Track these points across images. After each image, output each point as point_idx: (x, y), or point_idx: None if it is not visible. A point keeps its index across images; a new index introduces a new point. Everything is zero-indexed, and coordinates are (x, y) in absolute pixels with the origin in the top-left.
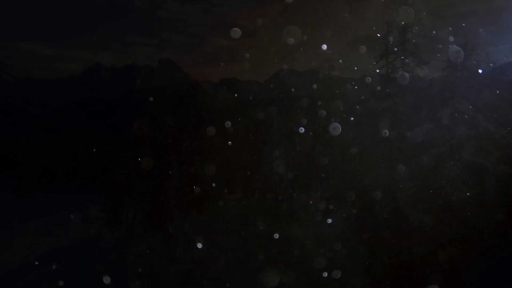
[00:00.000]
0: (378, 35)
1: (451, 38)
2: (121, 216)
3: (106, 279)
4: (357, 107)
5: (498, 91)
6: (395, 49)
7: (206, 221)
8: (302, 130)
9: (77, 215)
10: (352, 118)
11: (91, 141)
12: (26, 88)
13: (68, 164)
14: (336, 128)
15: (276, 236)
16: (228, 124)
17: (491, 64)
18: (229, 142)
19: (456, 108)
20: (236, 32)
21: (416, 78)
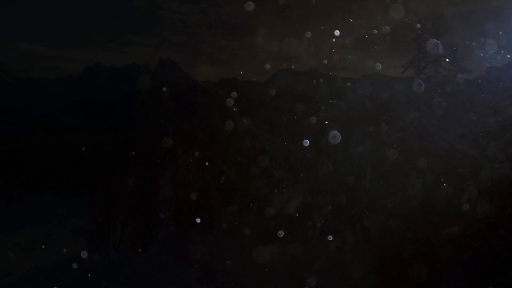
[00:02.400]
0: (408, 39)
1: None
2: (108, 230)
3: (84, 254)
4: (357, 108)
5: None
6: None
7: (201, 236)
8: (306, 143)
9: (66, 226)
10: (351, 120)
11: (87, 143)
12: (26, 88)
13: (62, 168)
14: (335, 137)
15: (278, 256)
16: (227, 126)
17: None
18: (228, 146)
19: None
20: (250, 5)
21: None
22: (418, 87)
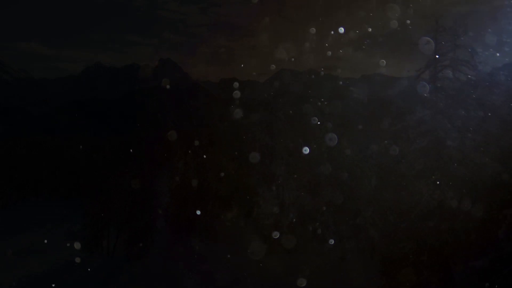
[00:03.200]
0: (429, 39)
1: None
2: (102, 237)
3: (77, 245)
4: (357, 108)
5: None
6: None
7: (198, 245)
8: (306, 150)
9: (60, 232)
10: (353, 121)
11: (84, 145)
12: (26, 88)
13: (57, 170)
14: (332, 139)
15: (279, 269)
16: (227, 127)
17: None
18: (228, 147)
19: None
20: None
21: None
22: (433, 92)
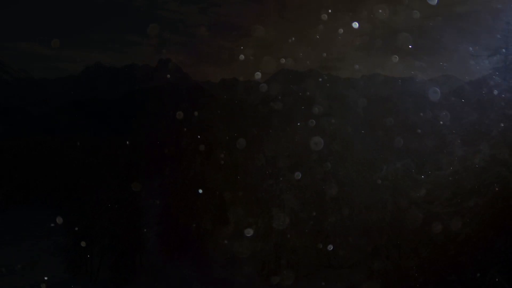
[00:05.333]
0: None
1: None
2: (85, 256)
3: (59, 219)
4: (358, 109)
5: None
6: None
7: (192, 266)
8: (298, 175)
9: (47, 244)
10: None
11: (84, 145)
12: (26, 88)
13: (51, 174)
14: (318, 143)
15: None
16: (227, 129)
17: None
18: (228, 148)
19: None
20: None
21: None
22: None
